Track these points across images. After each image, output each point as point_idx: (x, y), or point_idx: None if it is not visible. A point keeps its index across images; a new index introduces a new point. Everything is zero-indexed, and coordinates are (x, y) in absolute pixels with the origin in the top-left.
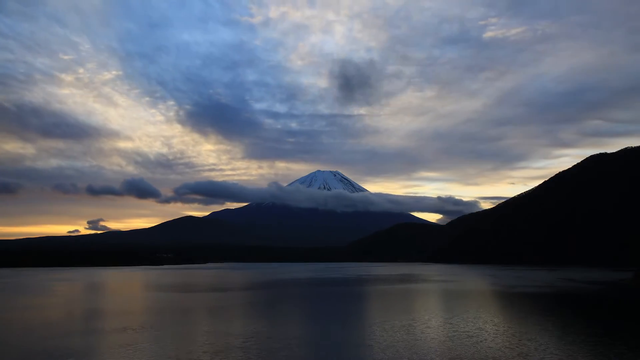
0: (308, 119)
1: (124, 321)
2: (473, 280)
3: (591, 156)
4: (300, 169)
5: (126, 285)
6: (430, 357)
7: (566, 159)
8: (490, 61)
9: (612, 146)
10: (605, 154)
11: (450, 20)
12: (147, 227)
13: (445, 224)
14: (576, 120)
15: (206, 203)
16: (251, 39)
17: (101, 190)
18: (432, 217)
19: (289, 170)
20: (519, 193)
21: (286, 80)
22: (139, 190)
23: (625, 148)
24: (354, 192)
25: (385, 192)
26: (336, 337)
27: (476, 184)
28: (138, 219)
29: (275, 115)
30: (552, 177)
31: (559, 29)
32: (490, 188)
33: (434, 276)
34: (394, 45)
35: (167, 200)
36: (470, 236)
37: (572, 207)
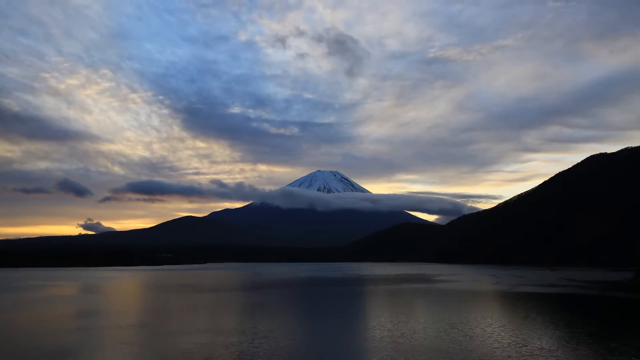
0: (281, 124)
1: (123, 320)
2: (475, 280)
3: (591, 156)
4: (281, 171)
5: (125, 285)
6: (435, 358)
7: (535, 164)
8: (439, 74)
9: (576, 151)
10: (606, 154)
11: (390, 39)
12: (146, 227)
13: (444, 224)
14: (536, 126)
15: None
16: (210, 52)
17: (93, 192)
18: (431, 217)
19: (271, 173)
20: (518, 193)
21: (251, 90)
22: (73, 189)
23: (626, 148)
24: (354, 192)
25: (385, 193)
26: (339, 339)
27: (458, 185)
28: (133, 219)
29: (249, 121)
30: (552, 177)
31: (499, 45)
32: (472, 189)
33: (435, 276)
34: (342, 62)
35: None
36: (470, 236)
37: (572, 207)
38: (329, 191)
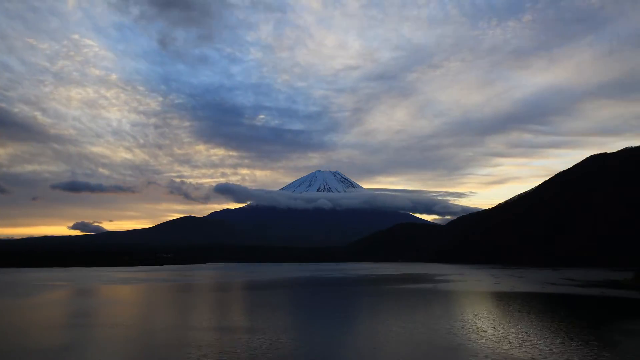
0: (253, 129)
1: (123, 318)
2: (476, 280)
3: (591, 156)
4: (262, 174)
5: (125, 284)
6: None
7: (503, 168)
8: (390, 87)
9: (540, 156)
10: (606, 154)
11: (336, 53)
12: (146, 227)
13: (445, 224)
14: (497, 131)
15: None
16: (168, 64)
17: (84, 191)
18: (429, 217)
19: (254, 176)
20: (518, 193)
21: (217, 99)
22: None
23: (625, 148)
24: (354, 192)
25: (383, 191)
26: (348, 342)
27: (440, 188)
28: (129, 220)
29: (222, 126)
30: (552, 177)
31: (435, 63)
32: (456, 191)
33: (436, 276)
34: (294, 79)
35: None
36: (470, 236)
37: (572, 207)
38: (328, 191)
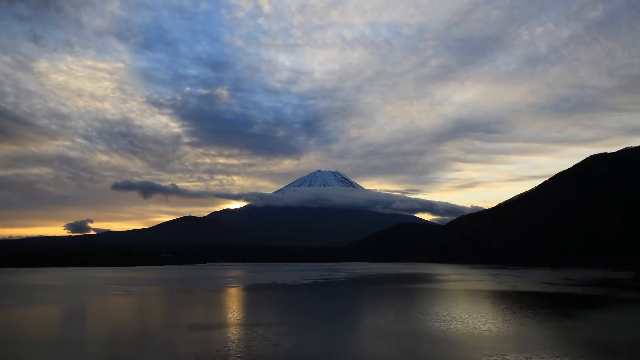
0: (219, 133)
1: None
2: (476, 280)
3: (591, 156)
4: (238, 179)
5: (126, 284)
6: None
7: (465, 172)
8: (332, 104)
9: (498, 162)
10: (605, 154)
11: (272, 74)
12: (143, 228)
13: (444, 224)
14: (449, 139)
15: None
16: (121, 74)
17: (71, 193)
18: (428, 217)
19: (232, 181)
20: (519, 193)
21: (175, 109)
22: None
23: (626, 148)
24: (354, 192)
25: (383, 192)
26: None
27: (426, 188)
28: (119, 222)
29: (190, 135)
30: (552, 177)
31: (370, 78)
32: (440, 191)
33: (437, 276)
34: (243, 93)
35: None
36: (470, 236)
37: (572, 207)
38: (329, 191)
